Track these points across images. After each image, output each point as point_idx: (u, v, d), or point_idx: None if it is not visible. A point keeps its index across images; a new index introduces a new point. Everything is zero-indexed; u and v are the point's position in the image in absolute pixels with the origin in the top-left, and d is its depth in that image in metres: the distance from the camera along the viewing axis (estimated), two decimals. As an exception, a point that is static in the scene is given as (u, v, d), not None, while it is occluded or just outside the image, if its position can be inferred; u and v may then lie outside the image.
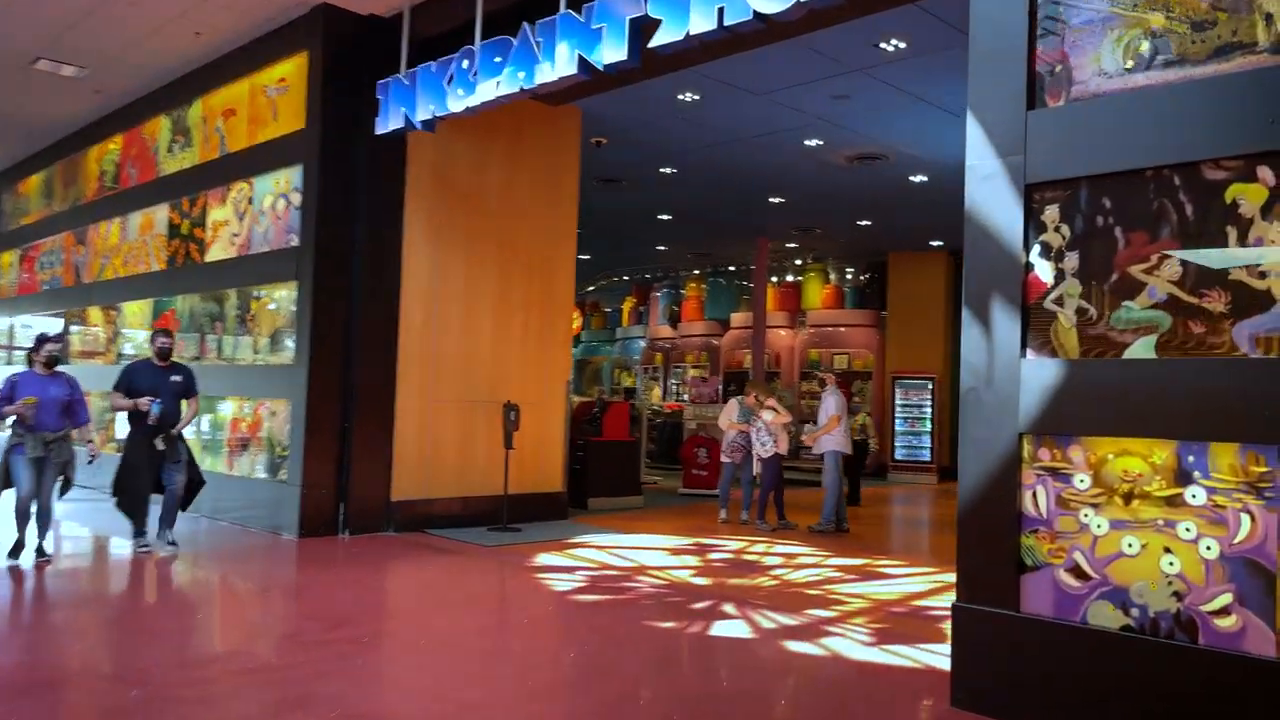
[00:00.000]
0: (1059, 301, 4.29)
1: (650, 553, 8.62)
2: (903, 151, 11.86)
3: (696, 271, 21.43)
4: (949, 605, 6.99)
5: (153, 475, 7.70)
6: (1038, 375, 4.30)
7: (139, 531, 7.74)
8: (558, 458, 10.60)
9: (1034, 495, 4.30)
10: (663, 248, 19.25)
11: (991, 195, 4.51)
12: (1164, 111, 4.01)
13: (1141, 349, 4.04)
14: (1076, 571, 4.16)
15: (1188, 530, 3.86)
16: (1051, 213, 4.34)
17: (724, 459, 10.91)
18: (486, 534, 9.25)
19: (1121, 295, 4.10)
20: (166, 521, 7.80)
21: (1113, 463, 4.08)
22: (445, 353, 9.64)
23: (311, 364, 8.89)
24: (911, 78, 9.38)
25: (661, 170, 13.07)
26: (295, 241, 9.33)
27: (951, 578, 8.26)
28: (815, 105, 10.25)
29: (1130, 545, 4.01)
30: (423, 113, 8.01)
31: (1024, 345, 4.36)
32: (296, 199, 9.38)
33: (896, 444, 17.42)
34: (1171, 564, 3.90)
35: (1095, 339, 4.17)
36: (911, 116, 10.53)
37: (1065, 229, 4.29)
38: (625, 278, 22.36)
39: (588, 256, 20.51)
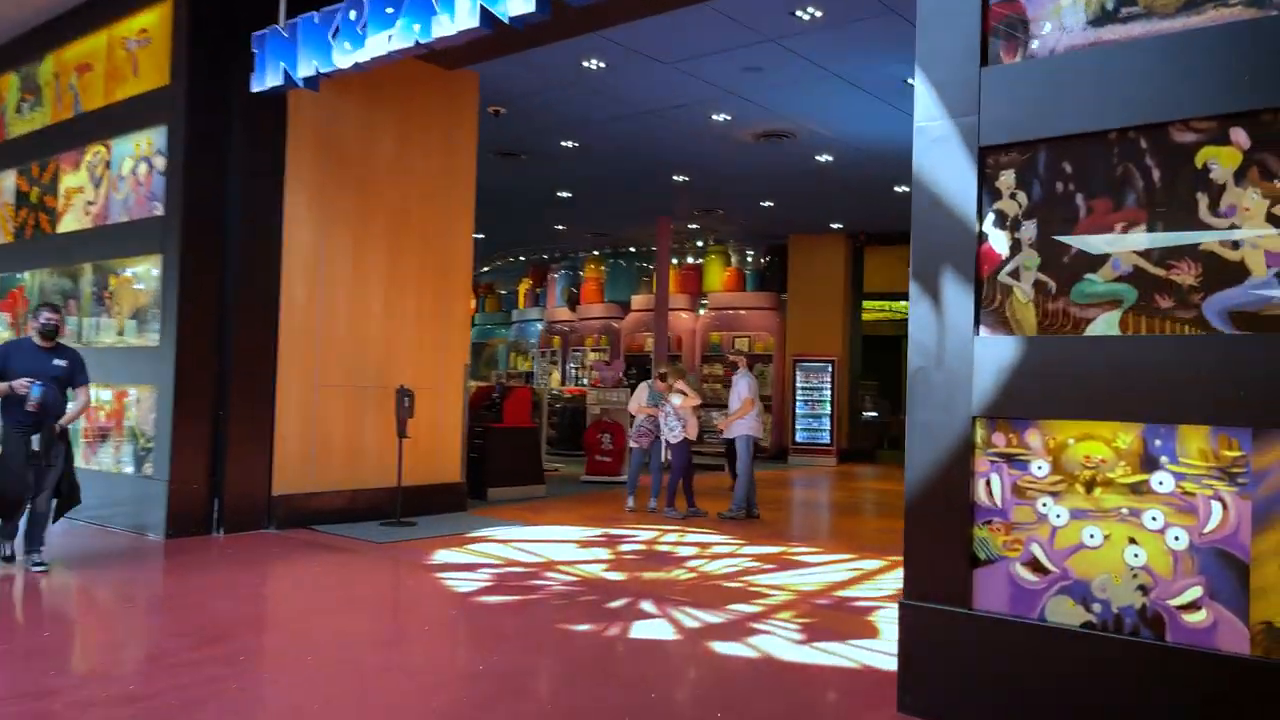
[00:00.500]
0: (1015, 274, 3.97)
1: (557, 546, 8.11)
2: (810, 129, 11.60)
3: (596, 252, 20.92)
4: (872, 596, 6.87)
5: (31, 474, 6.48)
6: (992, 354, 3.97)
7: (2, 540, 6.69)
8: (455, 446, 9.96)
9: (987, 484, 3.99)
10: (561, 227, 18.65)
11: (942, 159, 4.15)
12: (1129, 69, 3.72)
13: (1105, 325, 3.75)
14: (1034, 565, 3.86)
15: (1154, 519, 3.59)
16: (1007, 178, 4.01)
17: (631, 444, 10.47)
18: (379, 529, 8.58)
19: (1083, 268, 3.80)
20: (33, 540, 6.59)
21: (1073, 448, 3.79)
22: (332, 334, 8.89)
23: (179, 346, 8.03)
24: (825, 49, 9.07)
25: (563, 144, 12.49)
26: (159, 210, 8.41)
27: (870, 564, 8.17)
28: (726, 77, 9.85)
29: (1092, 536, 3.72)
30: (304, 69, 7.23)
31: (977, 322, 4.03)
32: (160, 163, 8.45)
33: (797, 427, 17.34)
34: (1137, 556, 3.63)
35: (1055, 314, 3.87)
36: (822, 92, 10.26)
37: (1022, 196, 3.97)
38: (521, 258, 21.68)
39: (482, 236, 19.74)
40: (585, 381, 19.22)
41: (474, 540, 8.26)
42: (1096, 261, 3.77)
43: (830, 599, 6.42)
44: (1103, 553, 3.70)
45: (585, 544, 8.25)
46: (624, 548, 8.15)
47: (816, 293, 17.92)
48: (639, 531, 8.98)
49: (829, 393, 17.25)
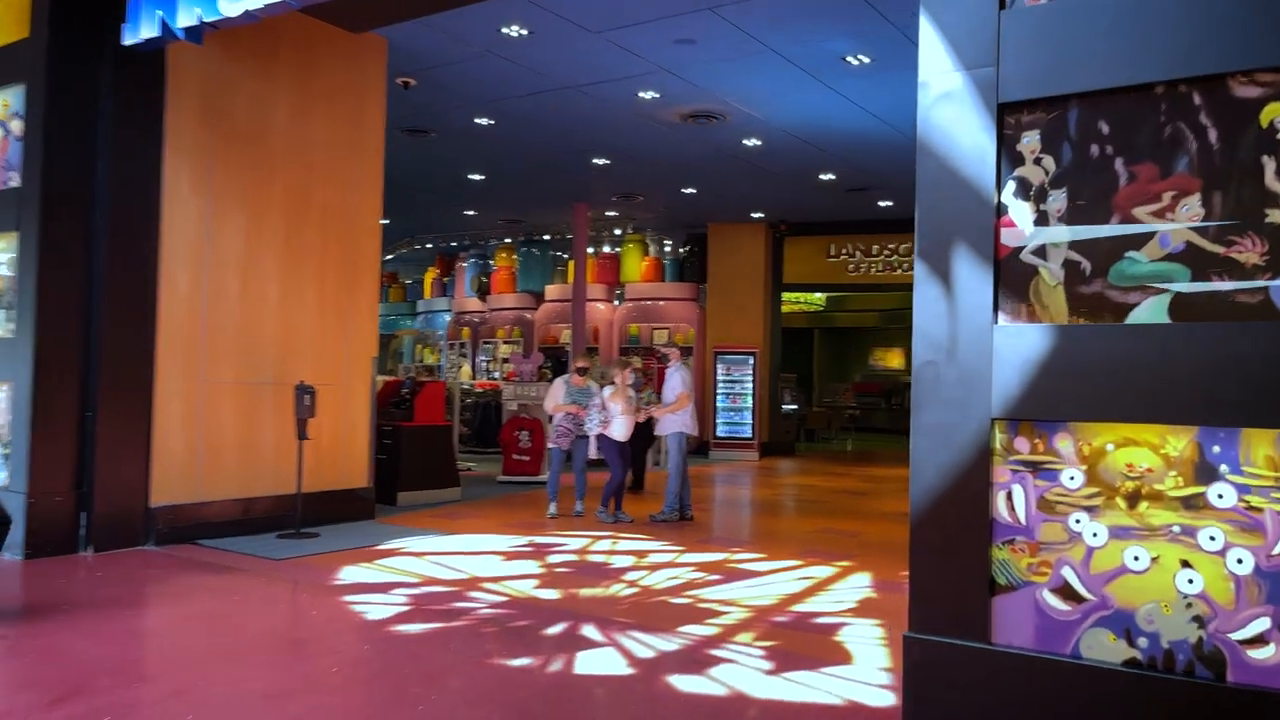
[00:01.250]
0: (1041, 253, 3.39)
1: (480, 559, 7.31)
2: (740, 111, 11.01)
3: (508, 240, 19.99)
4: (833, 610, 6.02)
5: None
6: (1014, 346, 3.39)
7: None
8: (362, 447, 9.03)
9: (1009, 496, 3.41)
10: (472, 213, 17.69)
11: (952, 118, 3.55)
12: (1180, 11, 3.17)
13: (1151, 312, 3.20)
14: (1066, 592, 3.30)
15: (1212, 539, 3.06)
16: (1031, 140, 3.43)
17: (550, 445, 9.66)
18: (276, 543, 7.62)
19: (1124, 245, 3.25)
20: None
21: (1113, 455, 3.24)
22: (220, 324, 7.87)
23: (38, 337, 6.93)
24: (763, 21, 8.45)
25: (476, 121, 11.60)
26: (15, 182, 7.27)
27: (819, 571, 7.54)
28: (656, 49, 9.15)
29: (1137, 559, 3.18)
30: (185, 17, 6.26)
31: (996, 308, 3.44)
32: (17, 127, 7.30)
33: (718, 420, 16.83)
34: (1191, 581, 3.09)
35: (1089, 300, 3.30)
36: (755, 69, 9.66)
37: (1049, 161, 3.40)
38: (428, 245, 20.60)
39: (387, 221, 18.60)
40: (498, 375, 18.33)
41: (386, 553, 7.39)
42: (1140, 237, 3.22)
43: (788, 615, 5.81)
44: (1150, 578, 3.16)
45: (511, 555, 7.48)
46: (554, 559, 7.41)
47: (737, 283, 17.43)
48: (567, 539, 8.24)
49: (750, 385, 16.79)
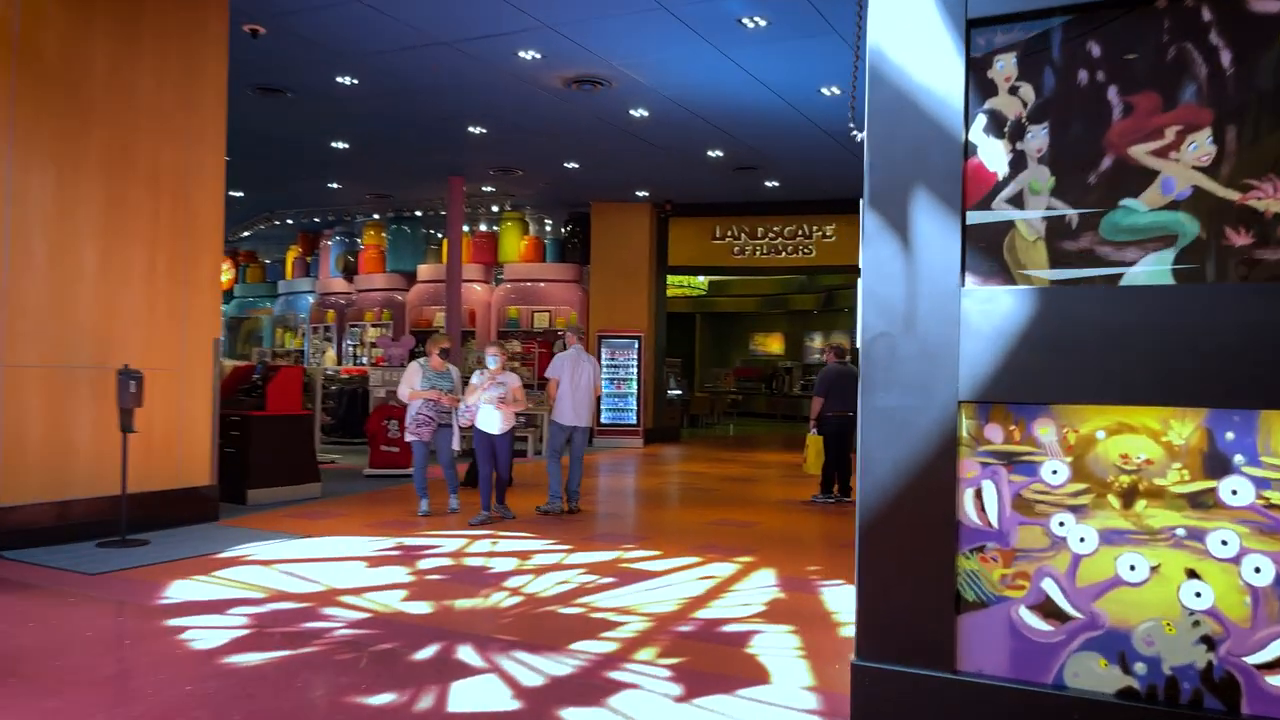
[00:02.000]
0: (1018, 201, 2.82)
1: (340, 566, 6.40)
2: (627, 77, 10.30)
3: (376, 216, 18.71)
4: (740, 616, 5.27)
5: None
6: (986, 313, 2.81)
7: None
8: (204, 440, 7.93)
9: (978, 495, 2.83)
10: (336, 186, 16.38)
11: (911, 38, 2.92)
12: (1188, -91, 2.63)
13: (1151, 271, 2.66)
14: (1047, 608, 2.74)
15: (1224, 544, 2.55)
16: (1006, 64, 2.84)
17: (409, 437, 8.55)
18: (94, 553, 6.51)
19: (1118, 190, 2.70)
20: None
21: (1104, 444, 2.69)
22: (23, 299, 6.66)
23: None
24: (657, -27, 7.78)
25: (338, 80, 10.48)
26: None
27: (719, 570, 6.81)
28: (540, 2, 8.34)
29: (1133, 568, 2.64)
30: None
31: (964, 269, 2.85)
32: None
33: (602, 406, 16.16)
34: (1199, 595, 2.57)
35: (1075, 256, 2.74)
36: (644, 30, 8.95)
37: (1027, 90, 2.82)
38: (289, 221, 19.09)
39: (241, 194, 17.13)
40: (366, 360, 17.14)
41: (227, 563, 6.39)
42: (1138, 180, 2.67)
43: (693, 624, 5.17)
44: (1149, 591, 2.63)
45: (376, 561, 6.59)
46: (425, 564, 6.56)
47: (620, 265, 16.77)
48: (440, 540, 7.39)
49: (635, 370, 16.18)
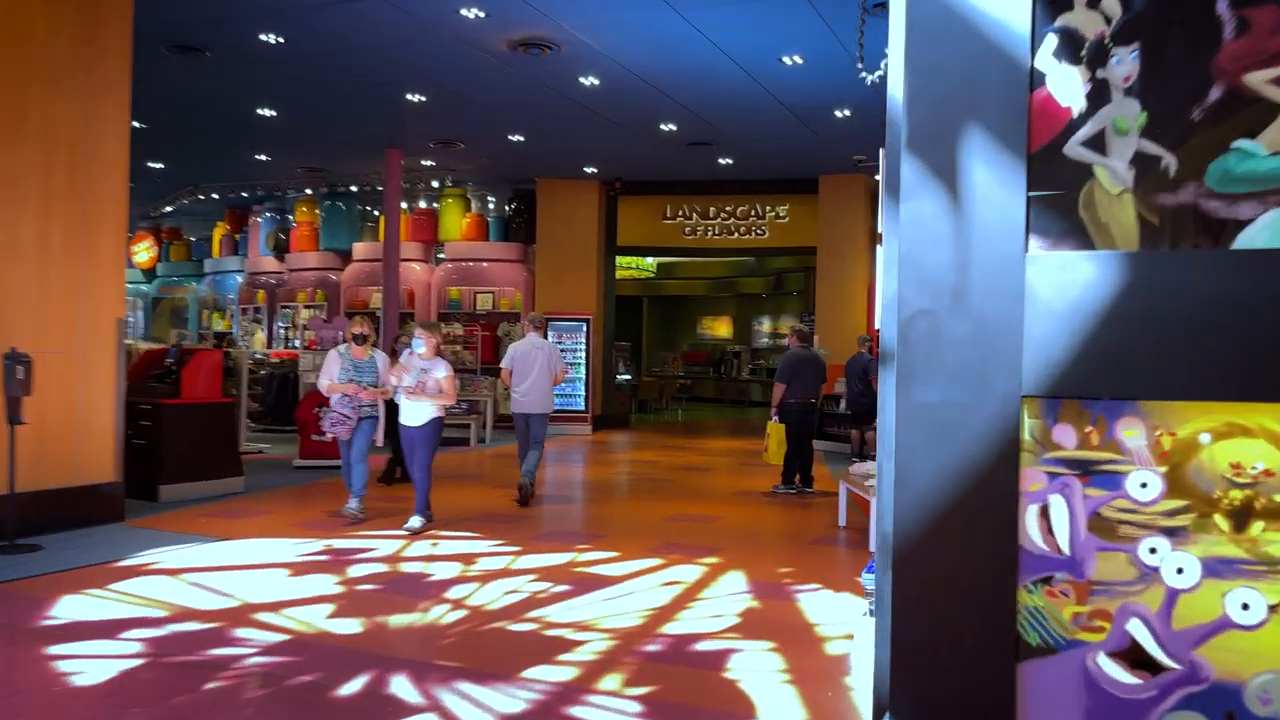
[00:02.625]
0: (1098, 144, 2.23)
1: (259, 575, 5.67)
2: (577, 40, 9.58)
3: (309, 191, 17.67)
4: (714, 631, 4.61)
5: None
6: (1058, 284, 2.22)
7: None
8: (106, 431, 7.09)
9: (1044, 513, 2.25)
10: (264, 158, 15.34)
11: (962, -63, 2.31)
12: None
13: (1273, 230, 2.10)
14: (1134, 656, 2.18)
15: (1367, 577, 2.01)
16: (1085, -29, 2.25)
17: (328, 431, 7.47)
18: (-27, 565, 5.68)
19: (1230, 130, 2.13)
20: None
21: (1210, 450, 2.13)
22: (-115, 271, 5.77)
23: None
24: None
25: (262, 38, 9.57)
26: None
27: (684, 573, 5.87)
28: (483, -50, 7.60)
29: (1246, 607, 2.09)
30: None
31: (1028, 229, 2.25)
32: None
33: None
34: (1332, 641, 2.03)
35: (1174, 214, 2.17)
36: (599, -12, 8.28)
37: (1111, 2, 2.23)
38: (214, 196, 17.95)
39: (161, 165, 16.02)
40: (298, 343, 16.19)
41: (130, 572, 5.61)
42: (1256, 116, 2.10)
43: (662, 642, 4.56)
44: (1266, 636, 2.08)
45: (300, 568, 5.86)
46: (357, 570, 5.85)
47: (567, 245, 16.06)
48: (376, 542, 6.68)
49: (583, 354, 15.51)
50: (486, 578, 5.72)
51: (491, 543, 6.72)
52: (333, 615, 4.86)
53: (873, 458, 11.94)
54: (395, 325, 14.33)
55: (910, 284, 2.34)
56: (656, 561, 6.22)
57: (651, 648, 4.45)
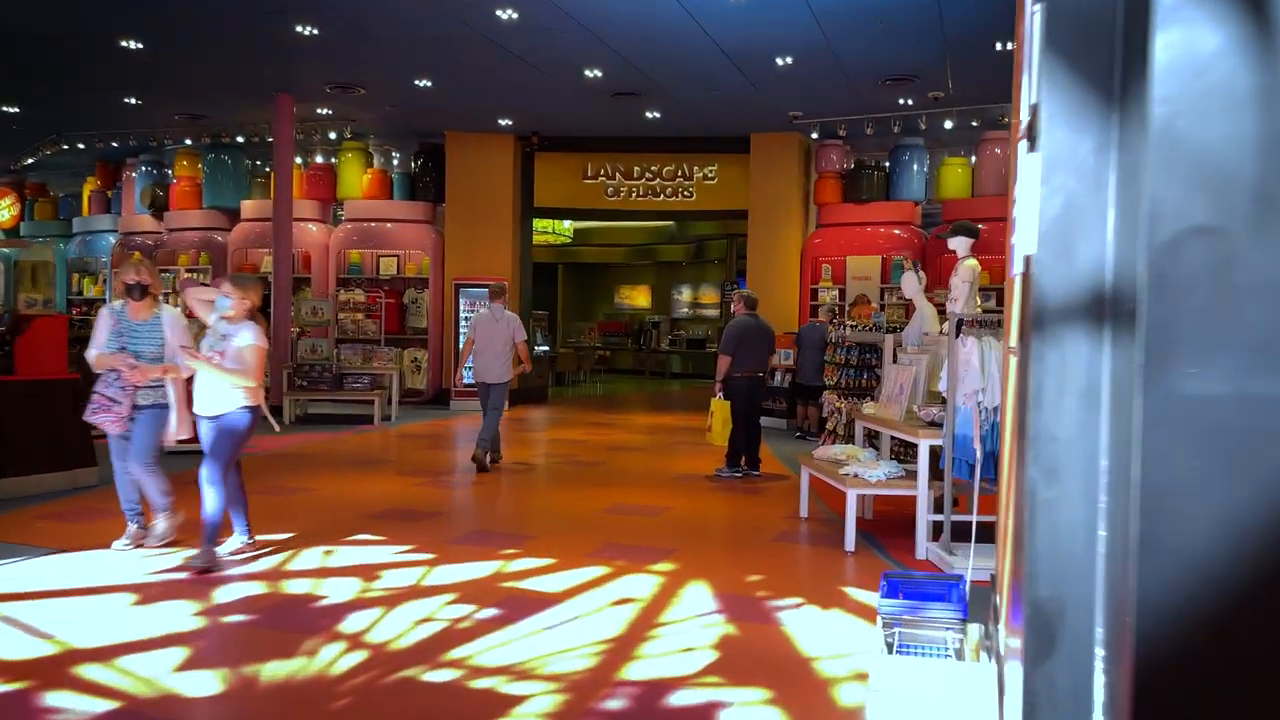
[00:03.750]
0: None
1: (94, 603, 4.36)
2: (496, -37, 8.30)
3: (189, 142, 15.77)
4: (687, 673, 3.51)
5: None
6: None
7: None
8: (-94, 419, 5.59)
9: None
10: (136, 102, 13.47)
11: None
12: None
13: None
14: None
15: None
16: None
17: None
18: None
19: None
20: None
21: None
22: None
23: None
24: None
25: (119, -54, 8.00)
26: None
27: (636, 585, 4.67)
28: None
29: None
30: None
31: None
32: None
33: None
34: None
35: None
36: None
37: None
38: (80, 147, 15.91)
39: (16, 110, 14.00)
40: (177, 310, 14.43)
41: (-86, 607, 4.24)
42: None
43: (626, 694, 3.47)
44: None
45: (150, 593, 4.56)
46: (224, 594, 4.59)
47: (480, 206, 14.69)
48: (253, 551, 5.40)
49: (498, 324, 14.22)
50: (392, 600, 4.53)
51: (399, 549, 5.51)
52: (183, 666, 3.62)
53: (815, 436, 11.04)
54: (288, 292, 12.82)
55: (1172, 181, 1.27)
56: (601, 571, 5.12)
57: (613, 704, 3.37)
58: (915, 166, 13.58)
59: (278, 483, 7.49)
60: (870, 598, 4.46)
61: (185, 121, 14.64)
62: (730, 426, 8.16)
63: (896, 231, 13.62)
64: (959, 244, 6.23)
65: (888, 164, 13.81)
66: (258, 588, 4.70)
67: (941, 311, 7.11)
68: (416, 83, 12.02)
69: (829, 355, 9.53)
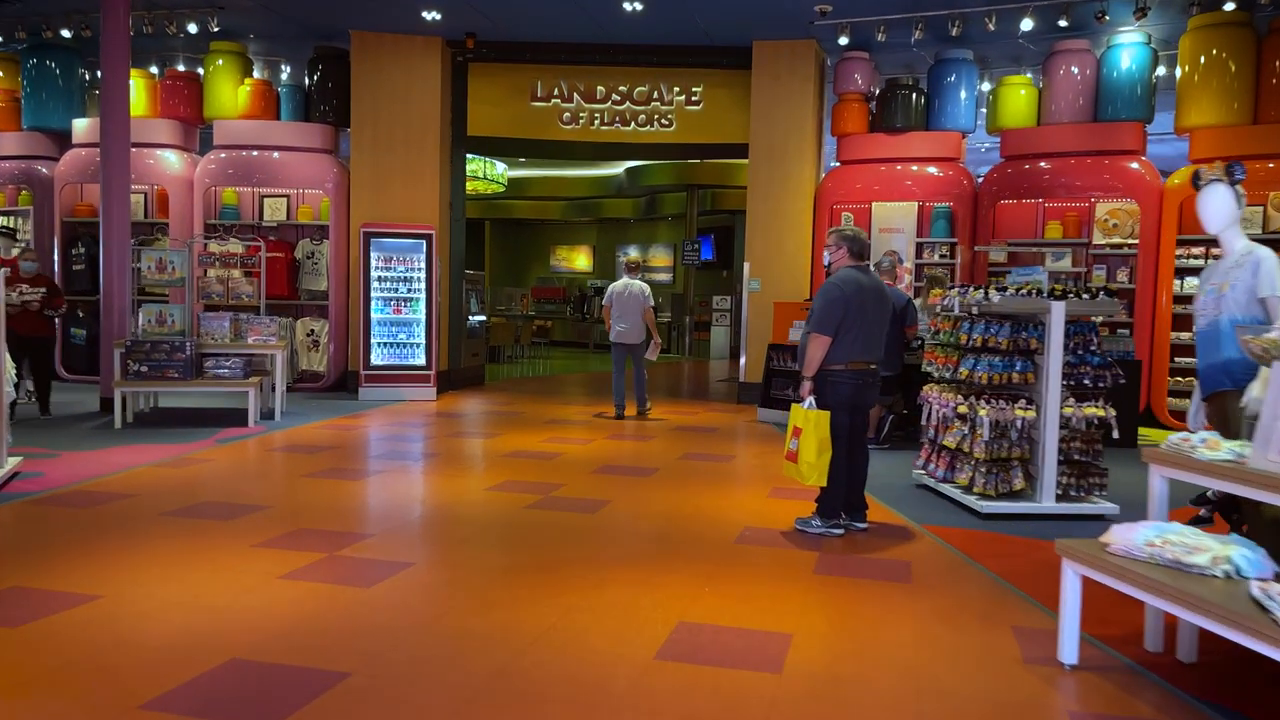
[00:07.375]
0: None
1: None
2: None
3: (2, 43, 11.57)
4: None
5: None
6: None
7: None
8: None
9: None
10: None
11: None
12: None
13: None
14: None
15: None
16: None
17: None
18: None
19: None
20: None
21: None
22: None
23: None
24: None
25: None
26: None
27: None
28: None
29: None
30: None
31: None
32: None
33: (374, 340, 10.45)
34: None
35: None
36: None
37: None
38: None
39: None
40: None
41: None
42: None
43: None
44: None
45: None
46: None
47: (398, 131, 10.91)
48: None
49: (422, 286, 10.55)
50: None
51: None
52: None
53: (877, 443, 7.60)
54: (126, 244, 8.89)
55: None
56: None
57: None
58: (963, 89, 10.36)
59: (21, 579, 3.82)
60: None
61: (-17, 5, 10.38)
62: (829, 453, 4.81)
63: (931, 170, 10.42)
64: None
65: (924, 86, 10.59)
66: None
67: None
68: (305, -61, 8.17)
69: (933, 332, 6.27)
